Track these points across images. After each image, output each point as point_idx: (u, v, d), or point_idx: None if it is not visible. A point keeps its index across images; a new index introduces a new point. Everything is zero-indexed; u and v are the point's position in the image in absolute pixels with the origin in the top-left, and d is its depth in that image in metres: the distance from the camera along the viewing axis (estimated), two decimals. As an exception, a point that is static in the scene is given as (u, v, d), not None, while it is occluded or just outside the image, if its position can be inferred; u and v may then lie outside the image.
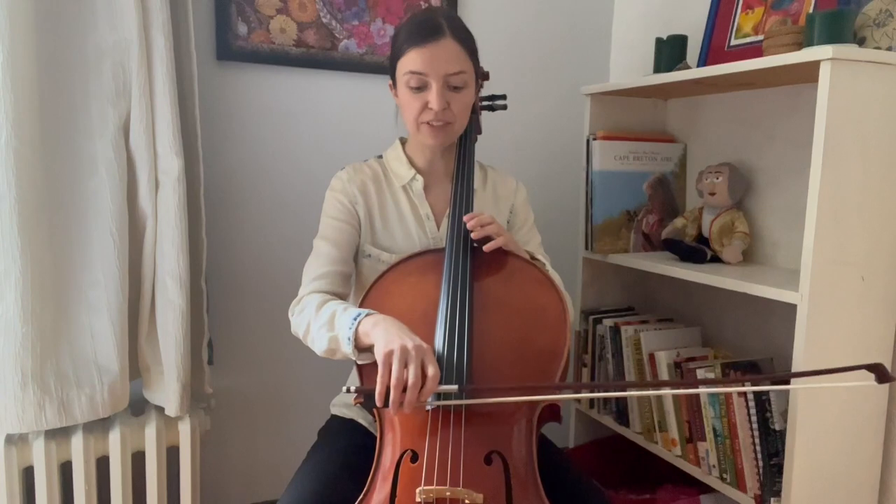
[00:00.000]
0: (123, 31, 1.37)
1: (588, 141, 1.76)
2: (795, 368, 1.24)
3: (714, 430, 1.42)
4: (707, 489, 1.52)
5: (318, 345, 1.13)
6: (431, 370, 0.98)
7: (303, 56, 1.70)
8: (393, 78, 1.27)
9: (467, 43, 1.22)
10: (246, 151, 1.70)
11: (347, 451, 1.22)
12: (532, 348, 1.11)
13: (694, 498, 1.60)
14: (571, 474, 1.20)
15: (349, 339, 1.06)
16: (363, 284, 1.29)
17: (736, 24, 1.59)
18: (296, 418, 1.81)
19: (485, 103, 1.46)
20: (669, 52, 1.65)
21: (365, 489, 1.04)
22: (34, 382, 1.33)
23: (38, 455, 1.38)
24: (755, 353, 1.60)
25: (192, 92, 1.50)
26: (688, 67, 1.60)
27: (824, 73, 1.17)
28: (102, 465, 1.45)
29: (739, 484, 1.38)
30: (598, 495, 1.17)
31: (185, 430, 1.50)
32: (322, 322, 1.12)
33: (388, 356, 0.97)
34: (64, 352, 1.39)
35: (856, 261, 1.25)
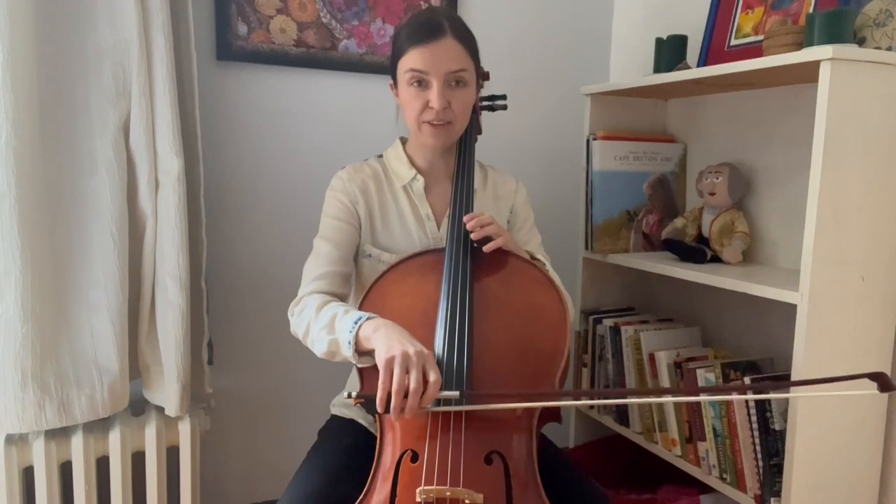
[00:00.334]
0: (123, 31, 1.37)
1: (588, 141, 1.76)
2: (795, 368, 1.24)
3: (714, 430, 1.42)
4: (707, 489, 1.52)
5: (319, 347, 1.13)
6: (433, 376, 0.98)
7: (303, 56, 1.70)
8: (394, 77, 1.27)
9: (468, 42, 1.22)
10: (246, 151, 1.70)
11: (347, 451, 1.22)
12: (532, 348, 1.11)
13: (694, 498, 1.60)
14: (571, 474, 1.20)
15: (350, 342, 1.06)
16: (363, 284, 1.29)
17: (736, 24, 1.59)
18: (296, 418, 1.81)
19: (485, 103, 1.46)
20: (669, 52, 1.65)
21: (365, 489, 1.04)
22: (34, 382, 1.33)
23: (38, 455, 1.38)
24: (755, 353, 1.60)
25: (192, 92, 1.50)
26: (688, 67, 1.60)
27: (824, 73, 1.17)
28: (102, 465, 1.45)
29: (739, 484, 1.38)
30: (598, 495, 1.17)
31: (185, 430, 1.50)
32: (322, 324, 1.12)
33: (390, 362, 0.97)
34: (64, 352, 1.39)
35: (856, 261, 1.25)
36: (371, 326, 1.05)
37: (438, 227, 1.32)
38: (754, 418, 1.32)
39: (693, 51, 1.66)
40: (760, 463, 1.32)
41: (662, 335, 1.64)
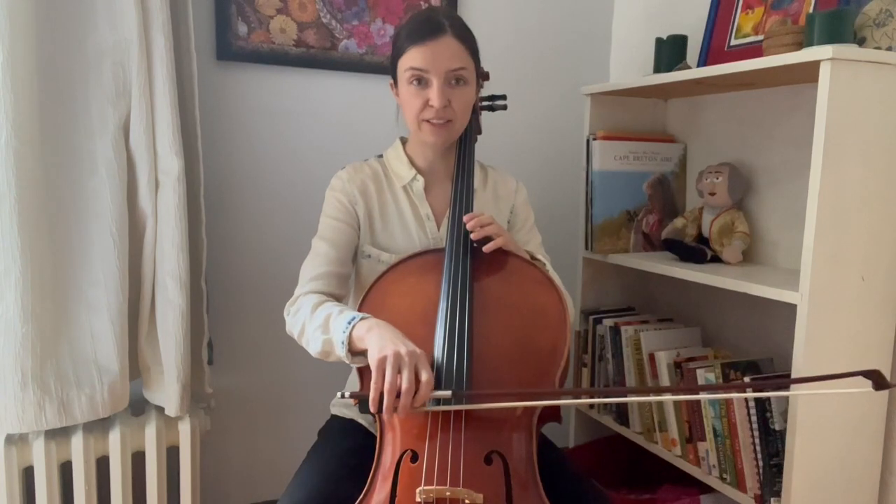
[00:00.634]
0: (123, 31, 1.37)
1: (588, 141, 1.75)
2: (795, 368, 1.24)
3: (714, 430, 1.42)
4: (707, 489, 1.52)
5: (313, 346, 1.13)
6: (425, 376, 0.98)
7: (303, 56, 1.70)
8: (394, 77, 1.27)
9: (468, 41, 1.22)
10: (246, 151, 1.70)
11: (347, 451, 1.22)
12: (532, 348, 1.11)
13: (694, 498, 1.60)
14: (571, 474, 1.20)
15: (343, 342, 1.06)
16: (363, 285, 1.29)
17: (736, 24, 1.59)
18: (296, 418, 1.81)
19: (485, 103, 1.46)
20: (669, 52, 1.65)
21: (365, 489, 1.04)
22: (34, 382, 1.33)
23: (38, 455, 1.38)
24: (755, 353, 1.60)
25: (192, 92, 1.50)
26: (688, 67, 1.60)
27: (824, 73, 1.17)
28: (102, 465, 1.45)
29: (739, 484, 1.38)
30: (597, 495, 1.17)
31: (185, 430, 1.50)
32: (317, 324, 1.12)
33: (382, 362, 0.97)
34: (64, 352, 1.39)
35: (856, 261, 1.25)
36: (364, 327, 1.06)
37: (438, 227, 1.32)
38: (754, 418, 1.32)
39: (693, 51, 1.66)
40: (760, 463, 1.32)
41: (662, 335, 1.64)
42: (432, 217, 1.32)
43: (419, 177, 1.32)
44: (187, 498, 1.52)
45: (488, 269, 1.20)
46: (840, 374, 0.93)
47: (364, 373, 1.10)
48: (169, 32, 1.39)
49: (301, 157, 1.74)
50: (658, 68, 1.68)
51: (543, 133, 2.02)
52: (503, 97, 1.47)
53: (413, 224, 1.32)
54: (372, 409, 0.97)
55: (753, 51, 1.50)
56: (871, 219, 1.25)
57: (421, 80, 1.20)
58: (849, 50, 1.17)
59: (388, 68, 1.28)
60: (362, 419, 1.32)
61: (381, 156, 1.38)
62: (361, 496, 1.03)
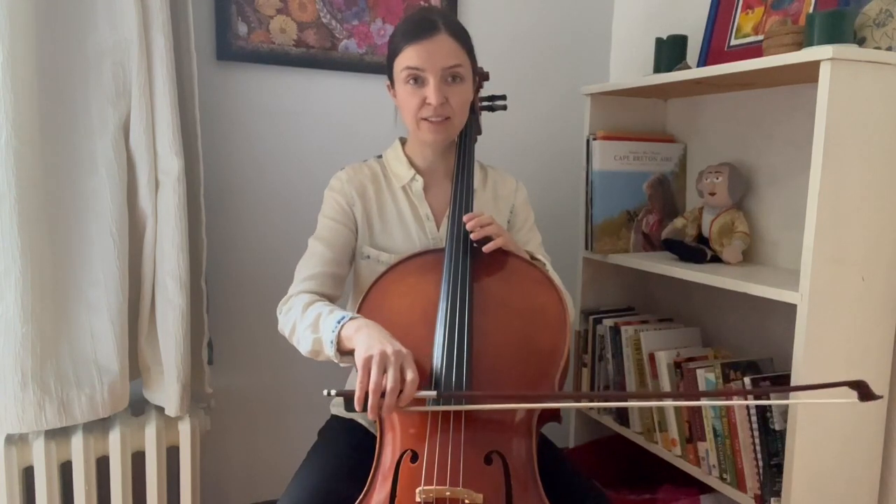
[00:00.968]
0: (123, 31, 1.37)
1: (588, 141, 1.75)
2: (795, 368, 1.24)
3: (714, 430, 1.42)
4: (707, 489, 1.52)
5: (303, 345, 1.14)
6: (410, 375, 0.98)
7: (303, 56, 1.70)
8: (391, 78, 1.27)
9: (463, 39, 1.23)
10: (246, 151, 1.70)
11: (347, 451, 1.22)
12: (532, 348, 1.11)
13: (694, 498, 1.60)
14: (571, 474, 1.20)
15: (332, 342, 1.07)
16: (362, 285, 1.29)
17: (736, 24, 1.59)
18: (296, 418, 1.81)
19: (485, 103, 1.46)
20: (669, 52, 1.65)
21: (365, 489, 1.04)
22: (34, 382, 1.33)
23: (38, 455, 1.38)
24: (755, 353, 1.60)
25: (192, 92, 1.50)
26: (688, 67, 1.60)
27: (824, 73, 1.17)
28: (102, 465, 1.45)
29: (739, 484, 1.37)
30: (597, 495, 1.17)
31: (185, 430, 1.50)
32: (307, 323, 1.13)
33: (368, 361, 0.98)
34: (64, 352, 1.39)
35: (856, 261, 1.25)
36: (353, 326, 1.06)
37: (438, 228, 1.32)
38: (754, 418, 1.32)
39: (693, 51, 1.66)
40: (760, 463, 1.32)
41: (662, 335, 1.64)
42: (432, 217, 1.32)
43: (418, 177, 1.32)
44: (187, 498, 1.52)
45: (488, 270, 1.20)
46: (826, 384, 0.95)
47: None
48: (169, 32, 1.39)
49: (301, 157, 1.74)
50: (658, 68, 1.68)
51: (543, 133, 2.02)
52: (503, 97, 1.47)
53: (412, 224, 1.32)
54: (357, 408, 0.97)
55: (753, 51, 1.50)
56: (871, 219, 1.25)
57: (417, 79, 1.20)
58: (849, 50, 1.17)
59: (386, 69, 1.28)
60: (362, 419, 1.32)
61: (380, 156, 1.38)
62: (361, 496, 1.03)
